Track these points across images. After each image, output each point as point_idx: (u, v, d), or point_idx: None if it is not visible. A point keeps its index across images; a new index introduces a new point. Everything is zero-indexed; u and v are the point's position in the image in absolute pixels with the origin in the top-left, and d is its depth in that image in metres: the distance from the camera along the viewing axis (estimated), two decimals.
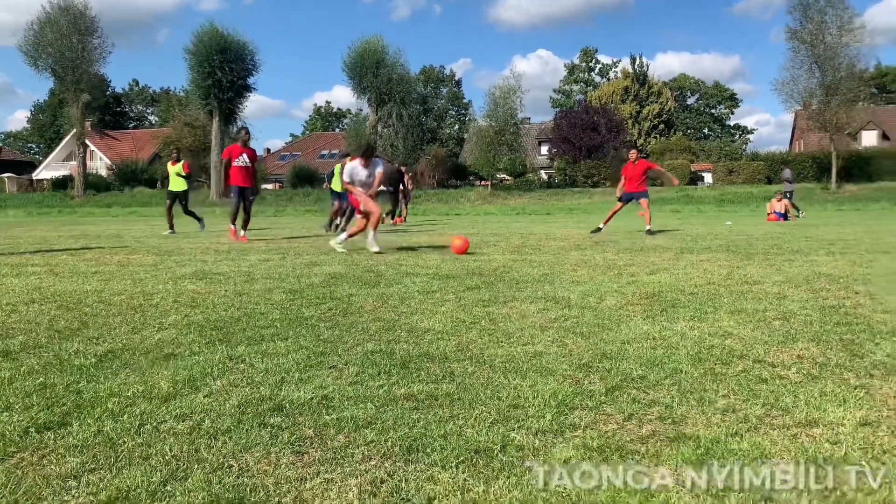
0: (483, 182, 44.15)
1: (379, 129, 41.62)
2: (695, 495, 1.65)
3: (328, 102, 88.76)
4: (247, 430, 2.12)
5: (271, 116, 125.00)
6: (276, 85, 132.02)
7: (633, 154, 12.89)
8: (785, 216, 20.30)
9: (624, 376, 2.67)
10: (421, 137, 46.19)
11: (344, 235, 8.84)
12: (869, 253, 7.41)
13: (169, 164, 14.07)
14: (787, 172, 23.14)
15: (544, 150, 54.10)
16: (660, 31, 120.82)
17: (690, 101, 77.15)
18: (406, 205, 20.39)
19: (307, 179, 43.82)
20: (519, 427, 2.11)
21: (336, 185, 13.64)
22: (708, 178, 43.12)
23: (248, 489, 1.71)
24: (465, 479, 1.74)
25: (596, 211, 28.76)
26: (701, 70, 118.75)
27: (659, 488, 1.68)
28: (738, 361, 2.87)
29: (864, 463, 1.54)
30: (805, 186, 34.30)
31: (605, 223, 12.77)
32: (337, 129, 73.94)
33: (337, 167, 13.67)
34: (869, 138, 46.46)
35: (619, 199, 12.90)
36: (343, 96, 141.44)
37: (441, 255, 7.95)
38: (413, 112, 42.23)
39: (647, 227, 12.06)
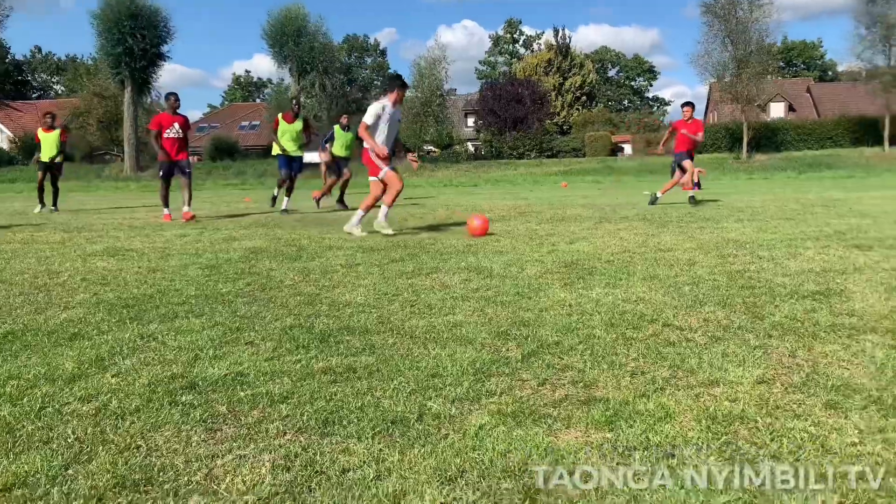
0: (410, 154, 43.90)
1: (302, 99, 40.61)
2: (602, 455, 1.71)
3: (248, 72, 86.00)
4: (156, 409, 2.06)
5: (188, 86, 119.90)
6: (192, 53, 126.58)
7: (687, 111, 11.44)
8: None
9: (540, 343, 2.73)
10: (346, 108, 45.40)
11: (360, 214, 7.12)
12: (774, 220, 7.81)
13: (41, 130, 12.54)
14: None
15: (471, 121, 54.25)
16: (582, 3, 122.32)
17: (611, 73, 78.80)
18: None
19: (227, 152, 42.47)
20: (436, 396, 2.14)
21: (339, 149, 12.42)
22: (628, 149, 44.30)
23: (156, 469, 1.66)
24: (380, 450, 1.75)
25: (521, 182, 29.13)
26: (621, 43, 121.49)
27: (569, 448, 1.74)
28: (648, 326, 2.98)
29: (864, 463, 1.60)
30: (716, 156, 35.81)
31: (663, 192, 11.77)
32: (258, 100, 71.74)
33: (336, 127, 12.58)
34: (777, 110, 48.75)
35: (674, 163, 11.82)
36: (263, 65, 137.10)
37: (364, 227, 7.89)
38: (336, 82, 41.44)
39: (690, 194, 11.59)
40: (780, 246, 5.42)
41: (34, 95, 68.90)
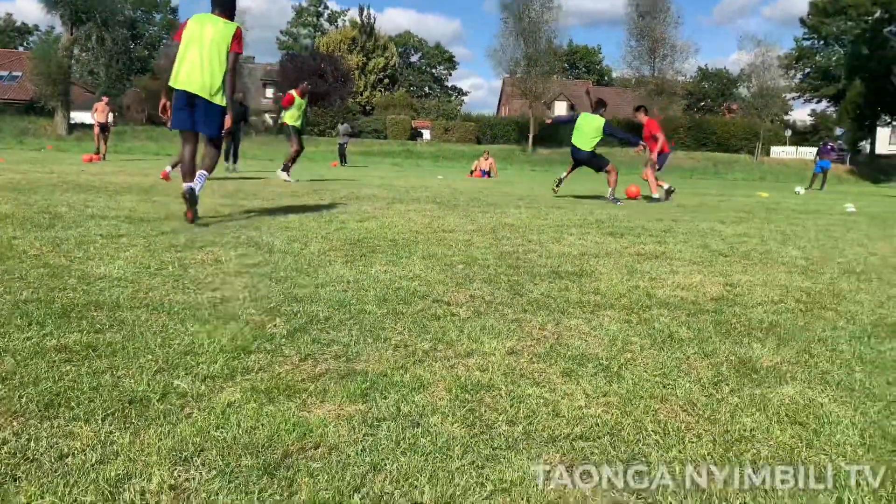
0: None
1: (75, 52, 36.30)
2: (351, 427, 1.72)
3: (10, 14, 74.62)
4: None
5: None
6: None
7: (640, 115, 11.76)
8: (489, 174, 22.37)
9: (310, 318, 2.69)
10: (128, 66, 41.35)
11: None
12: (547, 207, 8.48)
13: None
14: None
15: (269, 92, 52.22)
16: None
17: (414, 58, 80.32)
18: (105, 141, 18.24)
19: None
20: (186, 374, 2.00)
21: (290, 118, 12.33)
22: (427, 134, 45.56)
23: None
24: (109, 432, 1.60)
25: (320, 159, 28.69)
26: (425, 30, 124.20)
27: (319, 422, 1.72)
28: (419, 301, 3.06)
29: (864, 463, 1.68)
30: (506, 148, 38.13)
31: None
32: (20, 48, 62.75)
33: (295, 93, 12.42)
34: (560, 108, 53.04)
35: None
36: (28, 8, 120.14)
37: (139, 196, 7.25)
38: (118, 37, 37.55)
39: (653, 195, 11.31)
40: (548, 231, 5.89)
41: None
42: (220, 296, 2.98)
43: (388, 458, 1.56)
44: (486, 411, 1.86)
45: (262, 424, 1.69)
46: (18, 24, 73.21)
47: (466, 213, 7.32)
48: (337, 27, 68.31)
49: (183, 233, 4.75)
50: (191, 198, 5.31)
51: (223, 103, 5.44)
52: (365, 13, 57.39)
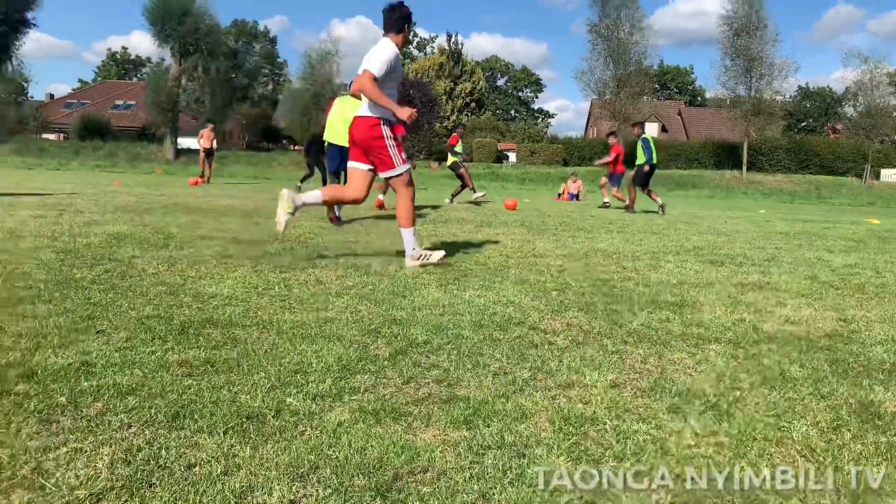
0: (297, 147, 42.95)
1: (183, 81, 38.70)
2: (457, 454, 1.74)
3: (125, 48, 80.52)
4: None
5: (56, 58, 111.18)
6: (62, 22, 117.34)
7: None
8: (577, 197, 22.09)
9: (409, 341, 2.74)
10: (231, 95, 43.69)
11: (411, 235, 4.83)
12: (640, 233, 8.30)
13: None
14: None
15: None
16: (476, 10, 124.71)
17: (500, 82, 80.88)
18: (210, 165, 19.27)
19: (97, 131, 39.69)
20: (297, 392, 2.09)
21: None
22: (512, 157, 45.64)
23: None
24: (231, 445, 1.68)
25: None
26: (512, 53, 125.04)
27: (426, 446, 1.75)
28: (515, 328, 3.07)
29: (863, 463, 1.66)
30: (594, 170, 37.57)
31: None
32: (134, 79, 67.59)
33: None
34: (651, 129, 51.98)
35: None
36: (143, 43, 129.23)
37: (243, 219, 7.62)
38: (222, 67, 39.77)
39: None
40: (643, 258, 5.76)
41: None
42: (323, 316, 3.09)
43: (496, 488, 1.57)
44: (591, 445, 1.84)
45: (372, 445, 1.74)
46: (133, 56, 78.93)
47: (556, 237, 7.27)
48: (425, 54, 69.83)
49: (288, 256, 4.96)
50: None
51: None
52: (453, 39, 58.42)
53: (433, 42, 72.62)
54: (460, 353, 2.62)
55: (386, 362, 2.45)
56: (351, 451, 1.69)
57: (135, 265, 4.18)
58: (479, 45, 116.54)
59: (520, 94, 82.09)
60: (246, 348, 2.52)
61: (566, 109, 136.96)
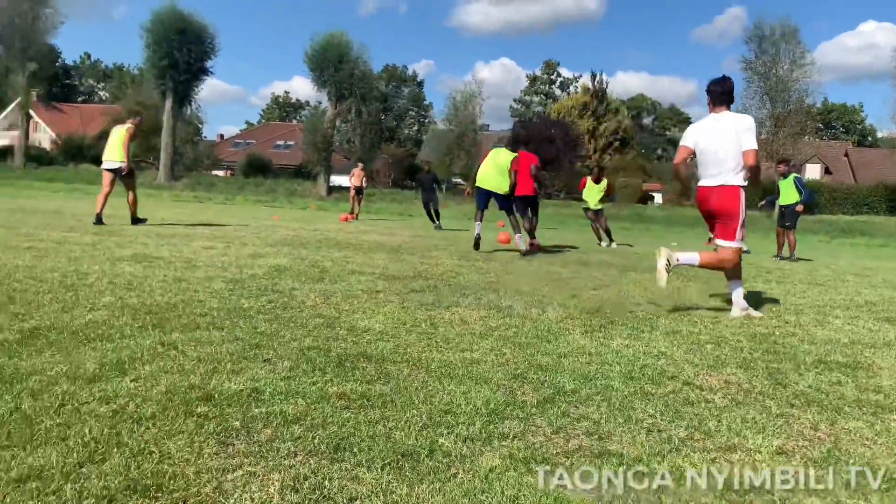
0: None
1: (337, 123, 41.25)
2: None
3: (287, 92, 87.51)
4: (172, 417, 2.08)
5: (227, 102, 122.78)
6: (234, 70, 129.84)
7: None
8: None
9: (556, 389, 2.71)
10: (379, 136, 46.02)
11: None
12: (802, 284, 7.70)
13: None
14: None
15: None
16: (621, 49, 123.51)
17: (646, 121, 79.09)
18: (359, 203, 20.28)
19: (260, 169, 43.14)
20: (448, 433, 2.12)
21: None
22: (658, 198, 44.19)
23: (167, 476, 1.67)
24: (388, 481, 1.74)
25: (547, 221, 29.15)
26: (658, 91, 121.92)
27: (578, 502, 1.71)
28: (668, 382, 2.94)
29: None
30: (750, 215, 35.45)
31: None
32: (294, 120, 73.01)
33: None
34: (813, 171, 48.42)
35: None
36: (302, 87, 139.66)
37: (390, 255, 7.93)
38: (373, 109, 42.03)
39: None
40: (808, 311, 5.33)
41: (79, 99, 70.91)
42: (469, 357, 3.13)
43: None
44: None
45: (524, 495, 1.73)
46: (293, 100, 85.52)
47: (708, 285, 6.91)
48: (568, 93, 69.91)
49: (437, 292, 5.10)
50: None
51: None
52: (597, 79, 58.11)
53: (577, 82, 72.60)
54: (610, 406, 2.54)
55: (534, 409, 2.44)
56: (504, 499, 1.69)
57: (294, 297, 4.47)
58: (624, 83, 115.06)
59: (667, 133, 79.75)
60: (398, 384, 2.60)
61: None
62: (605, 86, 58.20)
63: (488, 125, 61.67)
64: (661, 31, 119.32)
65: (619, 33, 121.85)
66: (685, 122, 79.25)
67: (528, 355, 3.25)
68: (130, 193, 10.29)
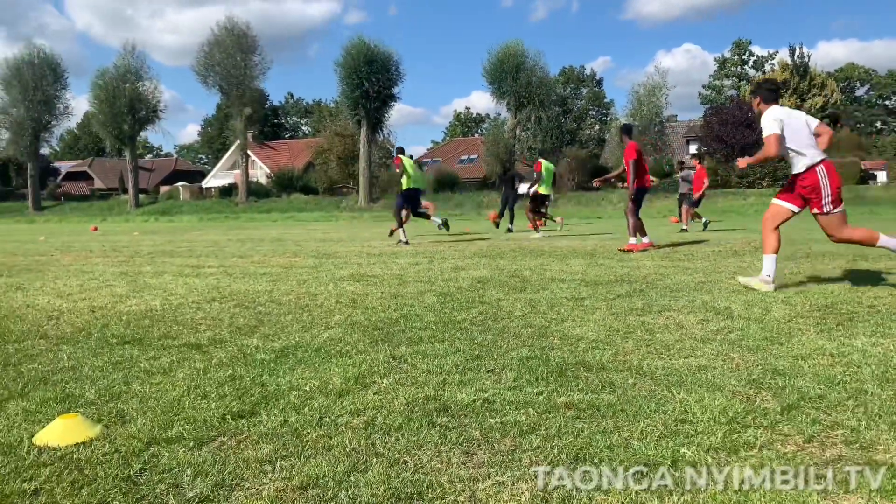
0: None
1: (517, 132, 41.68)
2: None
3: (467, 108, 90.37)
4: (417, 427, 2.23)
5: (413, 124, 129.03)
6: (416, 93, 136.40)
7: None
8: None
9: (800, 395, 2.51)
10: (560, 139, 45.75)
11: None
12: None
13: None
14: None
15: (693, 148, 51.63)
16: (822, 17, 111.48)
17: (860, 92, 70.58)
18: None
19: (448, 184, 44.75)
20: (689, 443, 2.05)
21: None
22: (882, 176, 39.19)
23: (424, 485, 1.79)
24: (637, 492, 1.72)
25: (751, 213, 27.06)
26: (871, 58, 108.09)
27: None
28: None
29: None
30: None
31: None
32: (475, 134, 74.90)
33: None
34: None
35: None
36: (481, 101, 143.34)
37: (586, 260, 7.84)
38: (552, 114, 41.94)
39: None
40: None
41: (286, 136, 78.70)
42: (695, 363, 3.00)
43: None
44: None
45: None
46: (474, 114, 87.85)
47: None
48: (764, 73, 64.41)
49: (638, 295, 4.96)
50: None
51: None
52: (796, 53, 52.96)
53: (773, 59, 66.69)
54: (868, 412, 2.30)
55: (778, 417, 2.28)
56: None
57: (502, 307, 4.58)
58: (828, 54, 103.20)
59: (887, 102, 70.50)
60: (625, 394, 2.57)
61: None
62: (806, 59, 52.93)
63: (676, 115, 58.79)
64: None
65: (817, 0, 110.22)
66: None
67: (760, 359, 3.05)
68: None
